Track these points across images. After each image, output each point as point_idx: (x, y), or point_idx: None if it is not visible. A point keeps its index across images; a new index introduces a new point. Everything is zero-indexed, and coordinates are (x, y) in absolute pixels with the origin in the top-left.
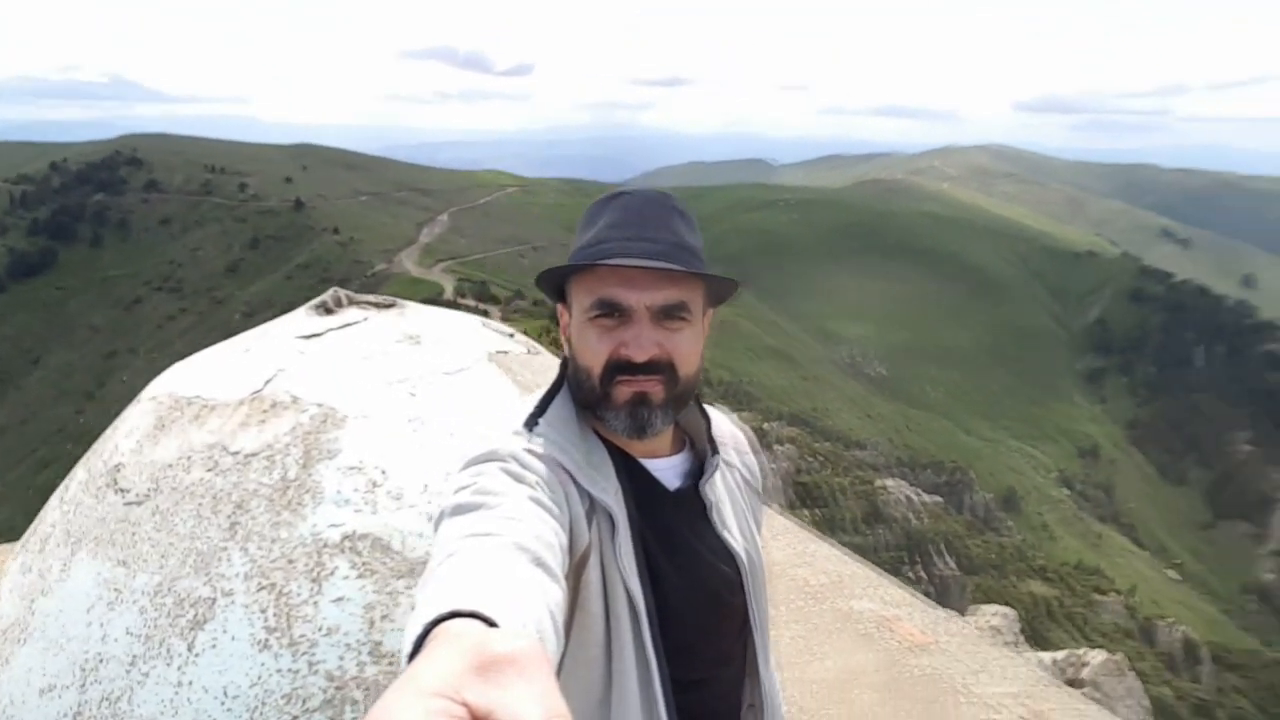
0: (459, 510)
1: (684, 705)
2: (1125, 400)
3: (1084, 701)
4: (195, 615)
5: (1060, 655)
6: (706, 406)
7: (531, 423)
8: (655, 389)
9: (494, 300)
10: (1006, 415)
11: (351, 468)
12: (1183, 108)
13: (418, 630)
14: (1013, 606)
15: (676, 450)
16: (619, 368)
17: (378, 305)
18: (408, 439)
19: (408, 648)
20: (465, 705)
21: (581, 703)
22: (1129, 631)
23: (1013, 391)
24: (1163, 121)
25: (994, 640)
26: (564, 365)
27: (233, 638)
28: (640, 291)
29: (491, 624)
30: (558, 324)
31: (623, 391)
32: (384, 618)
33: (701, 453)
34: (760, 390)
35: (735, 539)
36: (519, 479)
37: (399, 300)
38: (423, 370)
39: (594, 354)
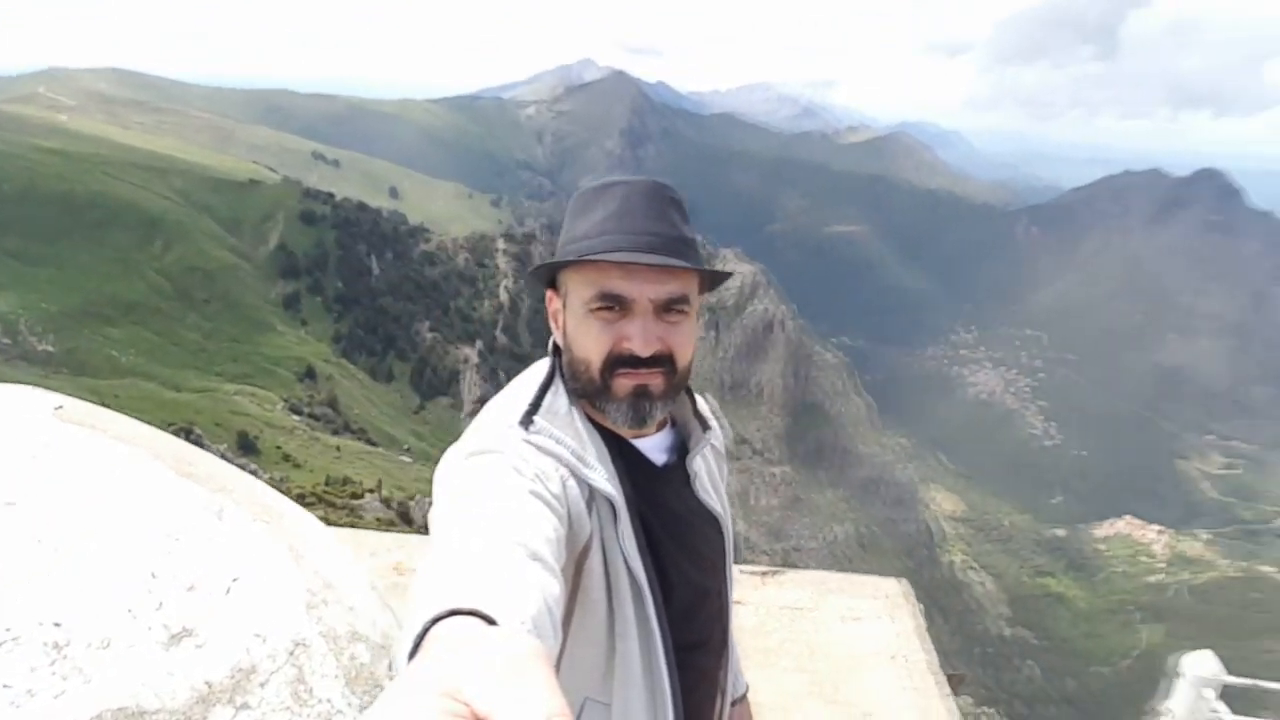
0: (456, 505)
1: (687, 664)
2: (324, 318)
3: None
4: None
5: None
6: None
7: (527, 419)
8: (656, 381)
9: None
10: (214, 360)
11: None
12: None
13: (417, 629)
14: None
15: (660, 427)
16: (620, 360)
17: None
18: None
19: (407, 646)
20: (467, 705)
21: (585, 681)
22: (391, 520)
23: (214, 334)
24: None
25: None
26: (554, 352)
27: None
28: (643, 285)
29: (490, 622)
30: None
31: (623, 384)
32: None
33: (683, 428)
34: None
35: (715, 503)
36: (517, 473)
37: None
38: None
39: (595, 347)
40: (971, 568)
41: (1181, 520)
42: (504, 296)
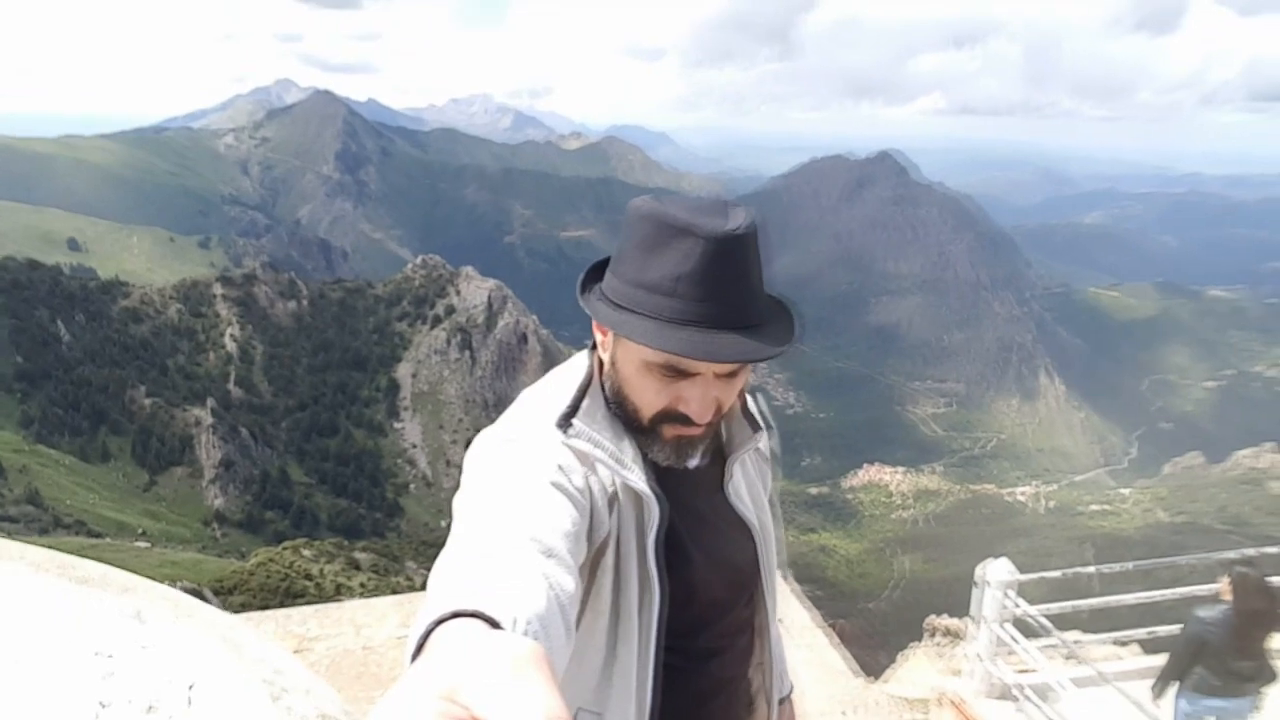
0: (478, 494)
1: (704, 671)
2: (7, 402)
3: None
4: None
5: None
6: None
7: (565, 422)
8: (702, 433)
9: None
10: None
11: None
12: None
13: (420, 631)
14: None
15: None
16: (673, 418)
17: None
18: None
19: (411, 647)
20: (466, 708)
21: (580, 690)
22: None
23: None
24: None
25: None
26: (596, 364)
27: None
28: (712, 362)
29: (493, 624)
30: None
31: (670, 433)
32: None
33: (722, 429)
34: None
35: (748, 509)
36: (542, 464)
37: None
38: None
39: (650, 402)
40: None
41: (915, 459)
42: (231, 346)
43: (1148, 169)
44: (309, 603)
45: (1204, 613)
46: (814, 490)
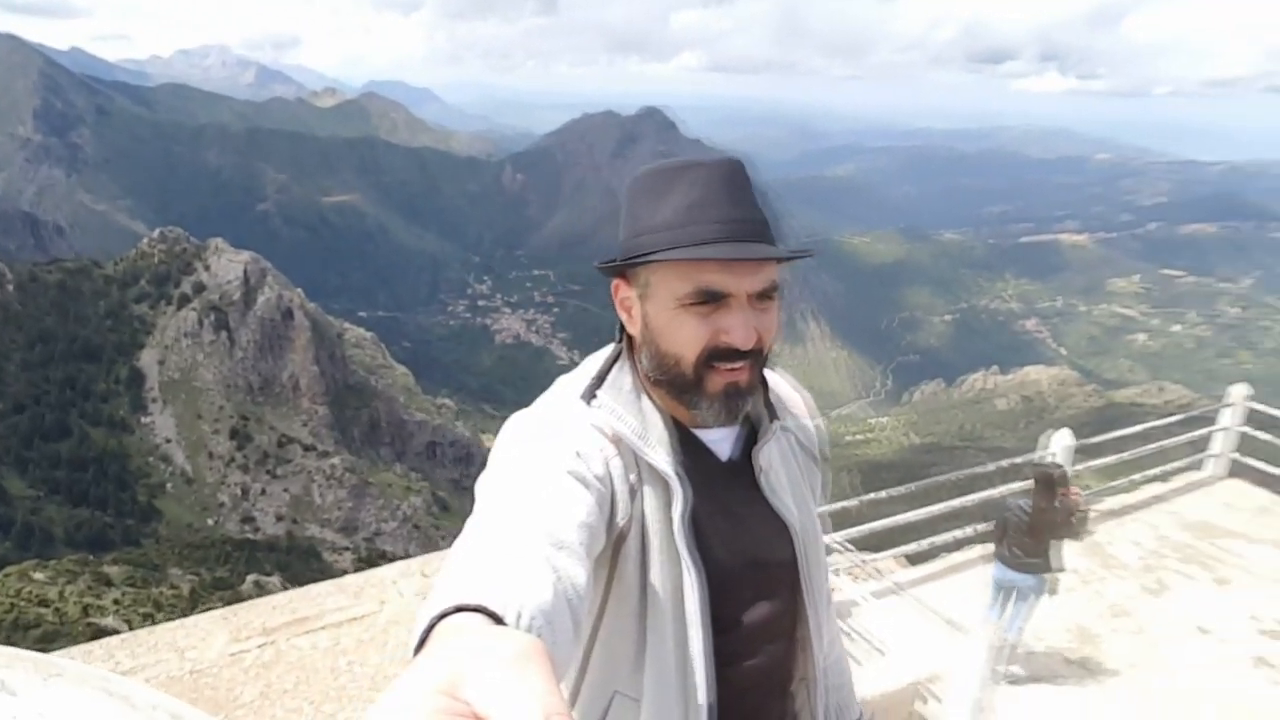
0: (496, 481)
1: (727, 678)
2: None
3: None
4: None
5: None
6: (766, 371)
7: (590, 394)
8: (746, 374)
9: None
10: None
11: None
12: None
13: (423, 625)
14: None
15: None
16: (717, 354)
17: None
18: None
19: (414, 642)
20: (467, 704)
21: (615, 674)
22: None
23: None
24: None
25: None
26: (623, 337)
27: None
28: (741, 278)
29: (497, 618)
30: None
31: (717, 380)
32: None
33: (755, 419)
34: None
35: (787, 506)
36: (560, 451)
37: None
38: None
39: (690, 342)
40: None
41: None
42: None
43: (886, 124)
44: (46, 635)
45: (1013, 501)
46: None
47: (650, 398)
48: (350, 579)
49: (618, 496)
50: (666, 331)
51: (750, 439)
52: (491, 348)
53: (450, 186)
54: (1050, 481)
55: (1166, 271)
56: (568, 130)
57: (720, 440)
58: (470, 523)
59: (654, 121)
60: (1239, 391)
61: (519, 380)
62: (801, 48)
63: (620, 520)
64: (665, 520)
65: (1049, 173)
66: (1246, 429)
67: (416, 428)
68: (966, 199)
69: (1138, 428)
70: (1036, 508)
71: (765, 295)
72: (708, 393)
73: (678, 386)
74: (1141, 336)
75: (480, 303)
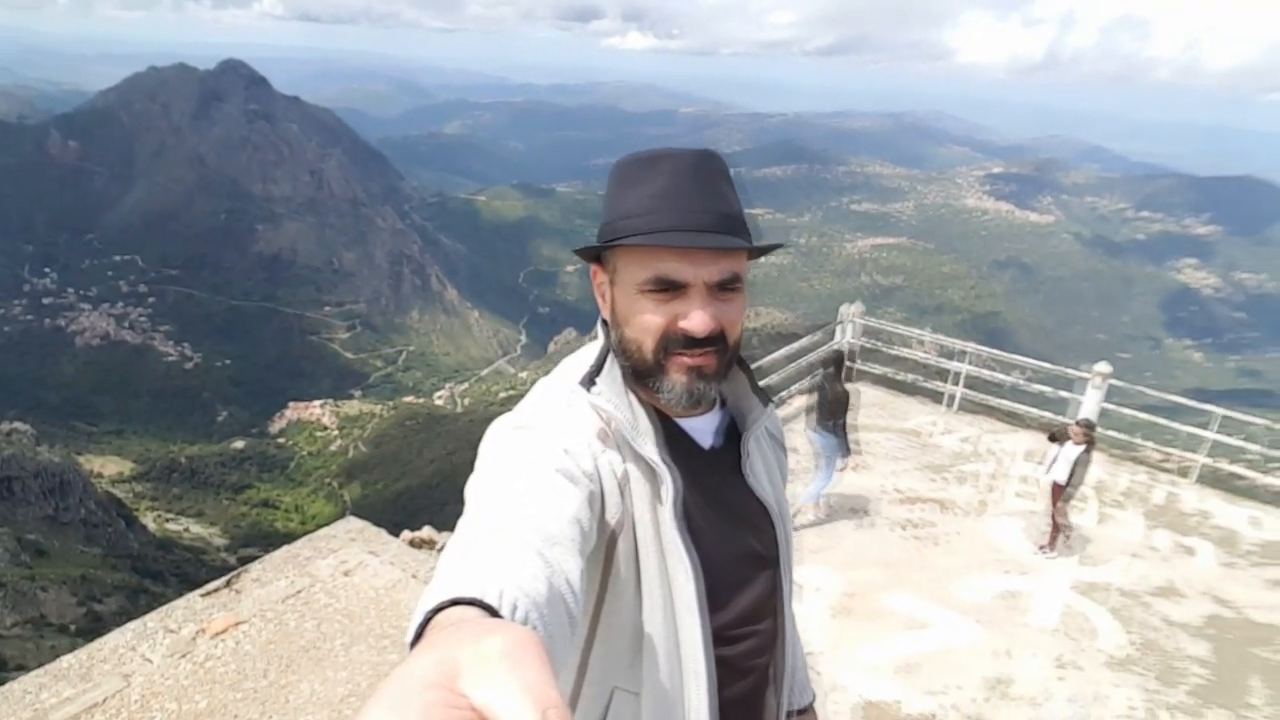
0: (487, 480)
1: (722, 661)
2: None
3: None
4: None
5: None
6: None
7: (589, 381)
8: (710, 361)
9: None
10: None
11: None
12: None
13: (419, 618)
14: None
15: (710, 408)
16: (675, 341)
17: None
18: None
19: (410, 635)
20: (464, 696)
21: (613, 669)
22: None
23: None
24: None
25: None
26: (605, 326)
27: None
28: (698, 267)
29: (492, 610)
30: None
31: (678, 365)
32: None
33: (734, 407)
34: None
35: (766, 492)
36: (549, 450)
37: None
38: None
39: (648, 328)
40: (169, 519)
41: (337, 388)
42: None
43: (489, 80)
44: None
45: (821, 374)
46: (239, 444)
47: (635, 389)
48: (66, 660)
49: (607, 493)
50: (629, 317)
51: (729, 429)
52: (73, 353)
53: None
54: (840, 361)
55: (752, 210)
56: (131, 86)
57: (703, 430)
58: (462, 522)
59: (239, 76)
60: (853, 310)
61: (117, 386)
62: None
63: (611, 518)
64: (657, 511)
65: (644, 125)
66: (864, 341)
67: None
68: (573, 151)
69: (787, 349)
70: (827, 388)
71: (726, 285)
72: (669, 378)
73: (640, 372)
74: None
75: (46, 301)
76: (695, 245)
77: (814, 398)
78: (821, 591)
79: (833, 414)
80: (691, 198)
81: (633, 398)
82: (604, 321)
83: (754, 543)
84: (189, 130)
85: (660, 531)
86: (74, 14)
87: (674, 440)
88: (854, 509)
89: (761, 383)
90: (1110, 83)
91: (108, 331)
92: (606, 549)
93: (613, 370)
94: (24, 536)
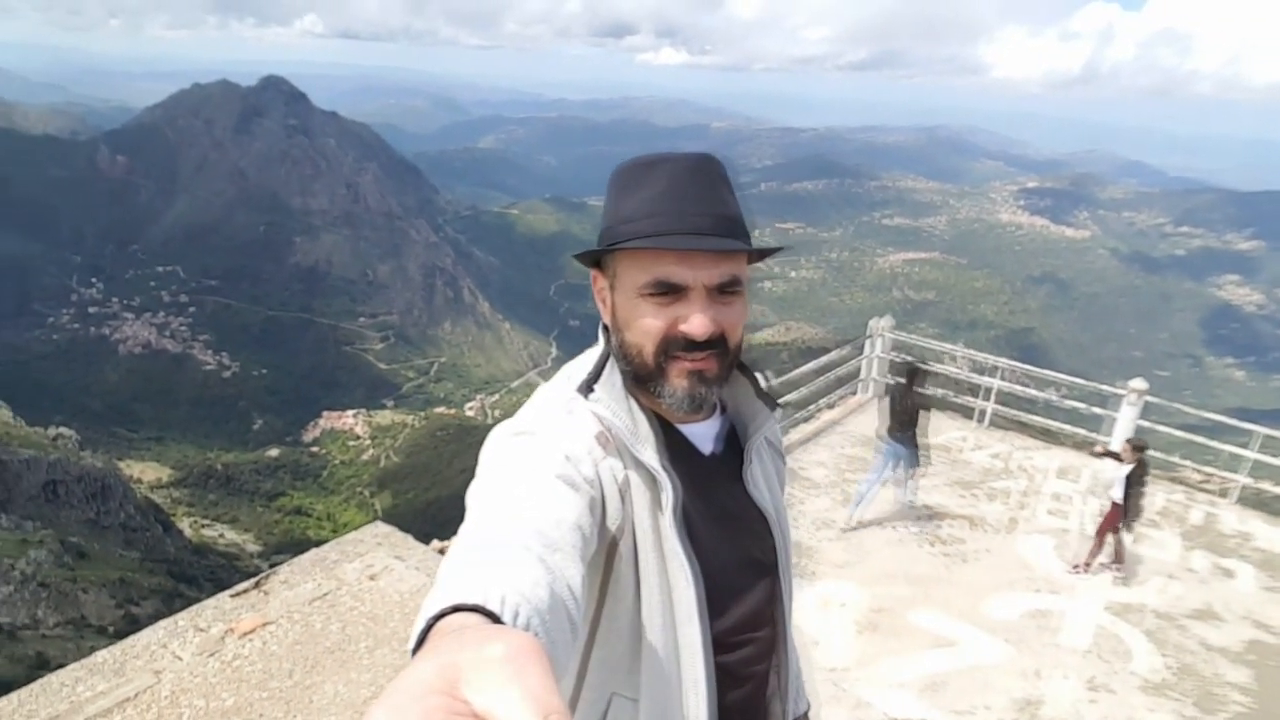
0: (488, 487)
1: (721, 668)
2: None
3: None
4: None
5: None
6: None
7: (587, 388)
8: (710, 365)
9: None
10: None
11: None
12: None
13: (422, 624)
14: None
15: (710, 414)
16: (675, 344)
17: None
18: None
19: (412, 641)
20: (466, 702)
21: (612, 676)
22: None
23: None
24: None
25: None
26: (606, 332)
27: None
28: (697, 270)
29: (494, 617)
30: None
31: (678, 369)
32: None
33: (735, 413)
34: None
35: (766, 499)
36: (549, 456)
37: None
38: None
39: (649, 331)
40: (205, 525)
41: (370, 398)
42: None
43: (524, 95)
44: None
45: (893, 382)
46: (273, 452)
47: (635, 394)
48: (101, 655)
49: (608, 499)
50: (629, 321)
51: (730, 435)
52: (116, 361)
53: (25, 173)
54: (915, 372)
55: (782, 225)
56: (176, 103)
57: (703, 436)
58: (463, 529)
59: (280, 92)
60: (882, 324)
61: (158, 394)
62: (432, 16)
63: (612, 524)
64: (657, 518)
65: (676, 140)
66: (893, 356)
67: (24, 467)
68: (606, 166)
69: (816, 363)
70: (901, 391)
71: (726, 289)
72: (670, 382)
73: (641, 376)
74: (768, 284)
75: (92, 310)
76: (694, 248)
77: (885, 406)
78: (848, 606)
79: (903, 424)
80: (690, 201)
81: (633, 403)
82: (604, 327)
83: (753, 550)
84: (230, 145)
85: (661, 538)
86: (124, 35)
87: (674, 446)
88: (882, 524)
89: (786, 398)
90: (1149, 97)
91: (149, 340)
92: (607, 555)
93: (612, 376)
94: (67, 539)
